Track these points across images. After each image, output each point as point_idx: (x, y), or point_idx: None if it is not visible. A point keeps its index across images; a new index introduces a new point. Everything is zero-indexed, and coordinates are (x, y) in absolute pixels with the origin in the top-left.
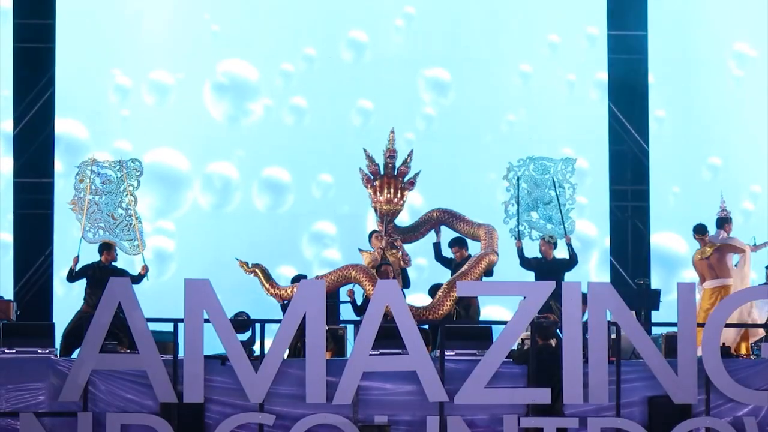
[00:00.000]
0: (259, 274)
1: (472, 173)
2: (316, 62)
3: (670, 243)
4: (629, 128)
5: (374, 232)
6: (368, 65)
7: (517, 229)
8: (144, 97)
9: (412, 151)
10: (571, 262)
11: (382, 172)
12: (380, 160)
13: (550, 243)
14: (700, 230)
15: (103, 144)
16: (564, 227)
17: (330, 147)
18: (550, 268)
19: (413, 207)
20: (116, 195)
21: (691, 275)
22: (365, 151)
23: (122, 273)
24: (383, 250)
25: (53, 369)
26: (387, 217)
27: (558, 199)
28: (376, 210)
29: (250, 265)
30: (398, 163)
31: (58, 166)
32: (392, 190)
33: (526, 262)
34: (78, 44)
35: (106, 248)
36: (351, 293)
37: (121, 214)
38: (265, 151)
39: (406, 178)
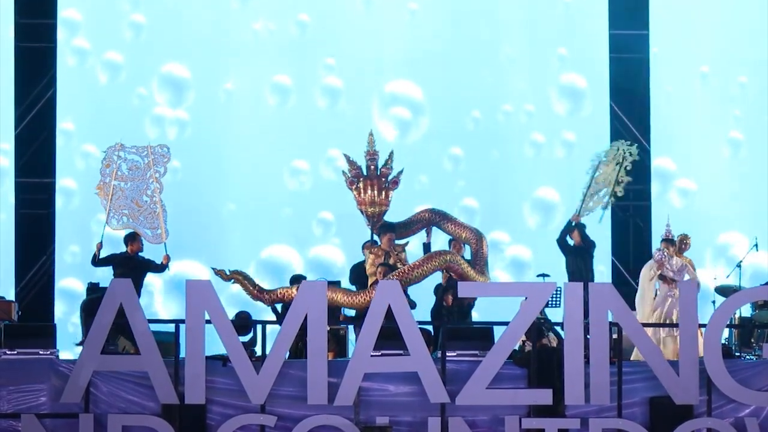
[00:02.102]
0: (241, 279)
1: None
2: None
3: None
4: (630, 127)
5: (388, 231)
6: None
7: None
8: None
9: (392, 152)
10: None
11: (364, 173)
12: (362, 163)
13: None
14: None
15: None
16: (580, 207)
17: None
18: (573, 251)
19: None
20: (142, 182)
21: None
22: (346, 155)
23: (148, 263)
24: (392, 251)
25: (54, 370)
26: (374, 219)
27: (592, 180)
28: (362, 212)
29: (228, 272)
30: (380, 164)
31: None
32: (375, 190)
33: (562, 239)
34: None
35: (131, 239)
36: (343, 318)
37: (146, 201)
38: None
39: (389, 178)
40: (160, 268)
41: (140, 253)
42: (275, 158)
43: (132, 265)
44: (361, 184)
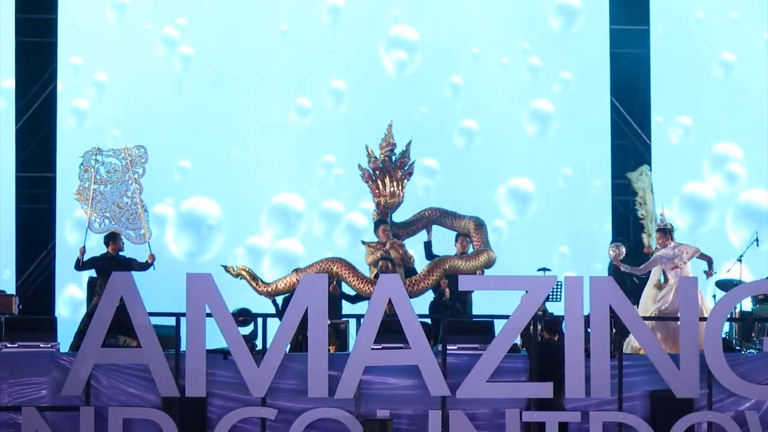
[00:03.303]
0: (246, 275)
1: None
2: None
3: None
4: (631, 122)
5: (382, 222)
6: None
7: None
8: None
9: (410, 141)
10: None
11: (381, 166)
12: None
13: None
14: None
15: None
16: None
17: None
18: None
19: None
20: (121, 183)
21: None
22: (367, 147)
23: (130, 262)
24: (387, 244)
25: (55, 363)
26: (390, 210)
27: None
28: (378, 204)
29: (236, 269)
30: (397, 155)
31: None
32: (394, 183)
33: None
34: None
35: (112, 238)
36: (335, 288)
37: (127, 202)
38: None
39: (405, 169)
40: (144, 266)
41: (121, 252)
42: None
43: (114, 265)
44: (379, 178)
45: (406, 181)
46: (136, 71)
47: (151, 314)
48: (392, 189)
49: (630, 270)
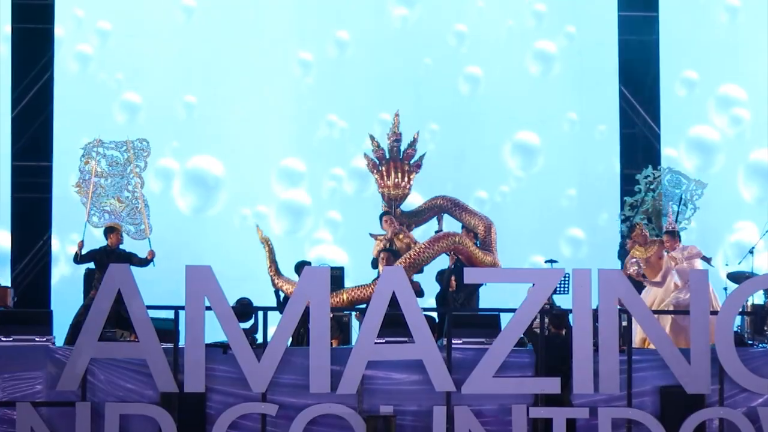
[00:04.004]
0: (267, 248)
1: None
2: None
3: None
4: (640, 111)
5: (385, 214)
6: None
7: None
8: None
9: (417, 133)
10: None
11: (387, 156)
12: (384, 144)
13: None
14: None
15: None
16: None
17: None
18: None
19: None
20: (122, 177)
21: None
22: (371, 136)
23: (130, 257)
24: (394, 235)
25: (51, 357)
26: (395, 202)
27: (677, 216)
28: (383, 195)
29: (264, 234)
30: (403, 146)
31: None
32: (399, 174)
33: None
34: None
35: (112, 231)
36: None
37: (127, 197)
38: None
39: (412, 161)
40: (144, 262)
41: (121, 246)
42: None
43: (113, 259)
44: (384, 168)
45: (414, 174)
46: (140, 23)
47: (149, 307)
48: (396, 180)
49: (650, 284)
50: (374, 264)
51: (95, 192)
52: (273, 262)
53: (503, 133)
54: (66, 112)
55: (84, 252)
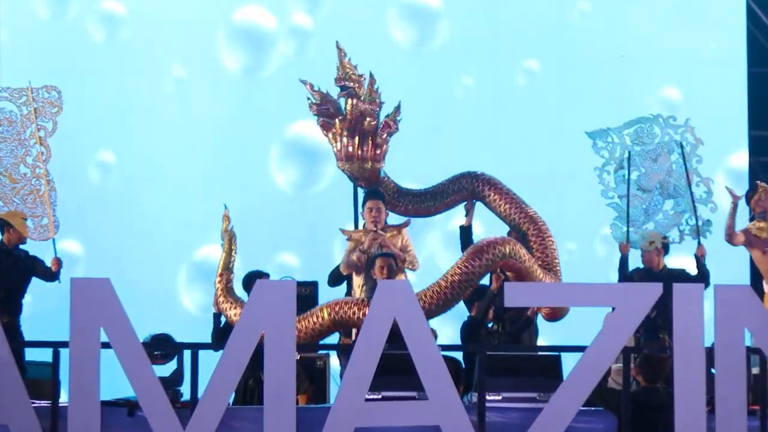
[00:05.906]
0: (226, 246)
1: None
2: None
3: None
4: None
5: (371, 196)
6: None
7: (627, 231)
8: None
9: (399, 103)
10: (702, 281)
11: (350, 122)
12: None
13: (658, 247)
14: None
15: None
16: (697, 226)
17: None
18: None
19: None
20: (19, 144)
21: None
22: (304, 82)
23: (33, 262)
24: (367, 240)
25: None
26: (359, 182)
27: (689, 183)
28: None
29: (230, 227)
30: (382, 115)
31: None
32: (369, 146)
33: (626, 277)
34: None
35: (7, 225)
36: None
37: (25, 174)
38: None
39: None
40: (49, 274)
41: (22, 246)
42: None
43: (10, 263)
44: (345, 131)
45: (386, 136)
46: None
47: (19, 344)
48: (363, 152)
49: None
50: (335, 277)
51: None
52: (227, 269)
53: None
54: None
55: None
